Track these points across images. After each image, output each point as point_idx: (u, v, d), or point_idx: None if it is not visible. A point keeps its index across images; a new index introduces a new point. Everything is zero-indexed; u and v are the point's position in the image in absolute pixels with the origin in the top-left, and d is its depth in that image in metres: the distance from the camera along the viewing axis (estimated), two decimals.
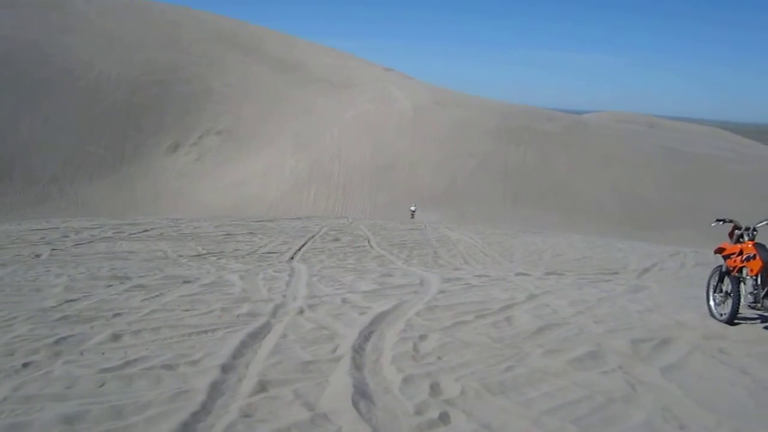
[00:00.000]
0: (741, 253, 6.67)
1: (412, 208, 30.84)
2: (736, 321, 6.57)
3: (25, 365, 4.86)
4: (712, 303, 6.99)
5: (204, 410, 4.07)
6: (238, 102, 48.17)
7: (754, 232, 6.87)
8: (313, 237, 16.11)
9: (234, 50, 55.33)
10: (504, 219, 31.34)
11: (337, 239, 15.95)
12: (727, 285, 6.83)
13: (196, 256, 12.50)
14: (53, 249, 12.60)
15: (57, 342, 5.43)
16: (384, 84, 50.49)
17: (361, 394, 4.37)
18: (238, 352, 5.23)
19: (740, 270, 6.68)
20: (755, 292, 6.41)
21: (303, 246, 14.54)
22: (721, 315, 6.74)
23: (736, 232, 7.00)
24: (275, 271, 9.91)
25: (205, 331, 5.87)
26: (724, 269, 6.94)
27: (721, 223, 7.35)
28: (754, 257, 6.46)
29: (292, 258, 12.76)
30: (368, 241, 15.75)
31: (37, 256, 11.64)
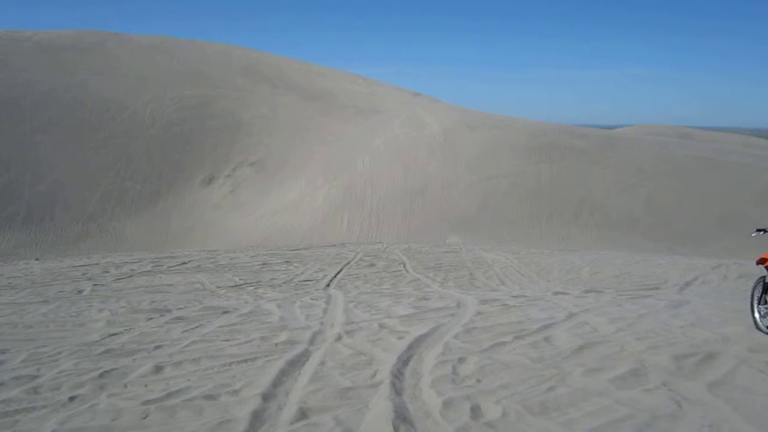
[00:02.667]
0: None
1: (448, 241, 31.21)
2: None
3: (71, 399, 4.96)
4: (757, 315, 6.82)
5: None
6: (269, 133, 48.80)
7: None
8: (348, 263, 16.16)
9: (262, 82, 56.20)
10: (539, 238, 31.07)
11: (372, 264, 15.96)
12: None
13: (233, 286, 12.62)
14: (95, 284, 12.83)
15: (101, 375, 5.53)
16: (413, 108, 50.69)
17: (402, 419, 4.35)
18: (278, 381, 5.27)
19: None
20: None
21: (339, 273, 14.59)
22: (767, 327, 6.58)
23: None
24: (312, 299, 9.96)
25: (245, 361, 5.92)
26: (767, 280, 6.79)
27: (761, 233, 7.21)
28: None
29: (328, 285, 12.80)
30: (404, 266, 15.74)
31: (80, 291, 11.87)
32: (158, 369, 5.72)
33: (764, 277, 6.87)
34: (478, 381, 5.22)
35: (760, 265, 7.01)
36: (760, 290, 6.87)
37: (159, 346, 6.55)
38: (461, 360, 5.79)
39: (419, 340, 6.60)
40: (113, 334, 7.23)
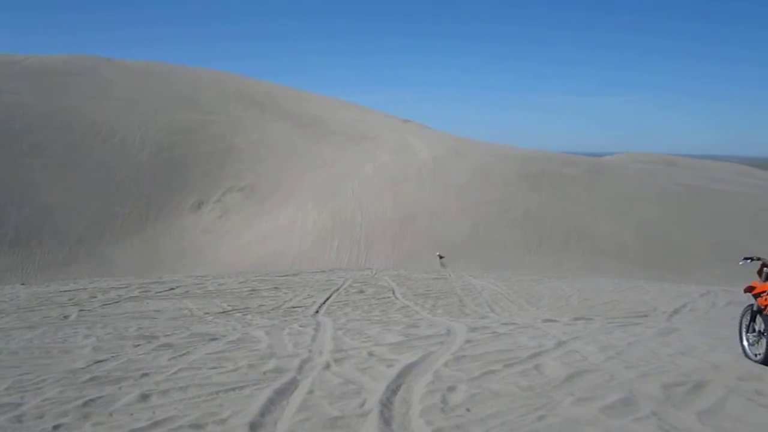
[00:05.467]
0: None
1: (441, 256, 31.80)
2: None
3: (55, 428, 4.89)
4: (745, 343, 6.84)
5: None
6: (259, 158, 48.84)
7: None
8: (337, 290, 16.10)
9: (253, 107, 56.40)
10: (528, 265, 31.09)
11: (361, 291, 15.91)
12: (759, 324, 6.69)
13: (221, 312, 12.53)
14: (81, 310, 12.71)
15: (86, 404, 5.45)
16: (402, 135, 50.96)
17: None
18: (266, 410, 5.21)
19: None
20: None
21: (328, 299, 14.52)
22: (756, 355, 6.59)
23: (765, 269, 6.89)
24: (301, 326, 9.90)
25: (233, 389, 5.86)
26: (755, 308, 6.81)
27: (749, 261, 7.24)
28: None
29: (317, 312, 12.74)
30: (393, 292, 15.70)
31: (66, 317, 11.75)
32: (144, 397, 5.65)
33: (752, 305, 6.89)
34: (468, 410, 5.19)
35: (748, 293, 7.04)
36: (749, 318, 6.89)
37: (146, 374, 6.48)
38: (451, 389, 5.75)
39: (408, 369, 6.56)
40: (99, 361, 7.15)
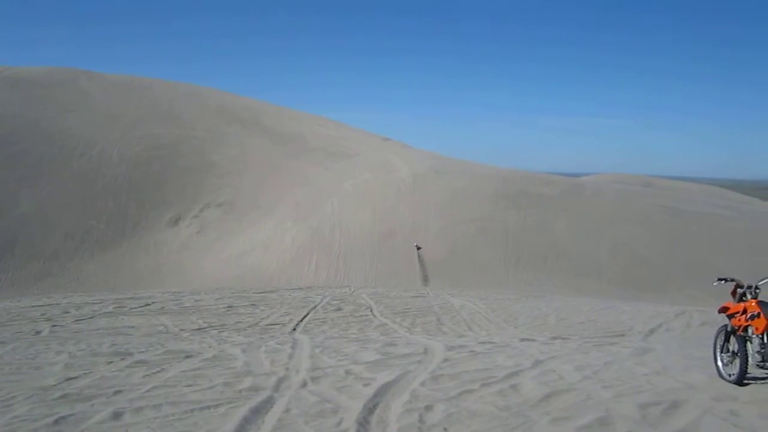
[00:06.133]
0: (745, 311, 6.63)
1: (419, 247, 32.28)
2: (745, 381, 6.47)
3: None
4: (719, 363, 6.90)
5: None
6: (238, 174, 48.62)
7: (757, 290, 6.84)
8: (315, 307, 16.02)
9: (234, 124, 56.24)
10: (506, 284, 31.18)
11: (339, 309, 15.84)
12: (733, 344, 6.76)
13: (197, 329, 12.40)
14: (54, 325, 12.51)
15: (57, 422, 5.35)
16: (382, 153, 51.10)
17: None
18: (241, 428, 5.15)
19: (746, 329, 6.62)
20: (762, 350, 6.34)
21: (305, 317, 14.44)
22: (730, 375, 6.65)
23: (739, 290, 6.98)
24: (278, 343, 9.82)
25: (207, 407, 5.79)
26: (729, 328, 6.89)
27: (722, 282, 7.34)
28: (758, 315, 6.42)
29: (294, 329, 12.65)
30: (371, 310, 15.65)
31: (38, 332, 11.55)
32: (117, 415, 5.56)
33: (726, 325, 6.97)
34: (445, 430, 5.17)
35: (723, 314, 7.12)
36: (723, 339, 6.96)
37: (119, 392, 6.38)
38: (428, 408, 5.73)
39: (386, 387, 6.53)
40: (71, 378, 7.02)
